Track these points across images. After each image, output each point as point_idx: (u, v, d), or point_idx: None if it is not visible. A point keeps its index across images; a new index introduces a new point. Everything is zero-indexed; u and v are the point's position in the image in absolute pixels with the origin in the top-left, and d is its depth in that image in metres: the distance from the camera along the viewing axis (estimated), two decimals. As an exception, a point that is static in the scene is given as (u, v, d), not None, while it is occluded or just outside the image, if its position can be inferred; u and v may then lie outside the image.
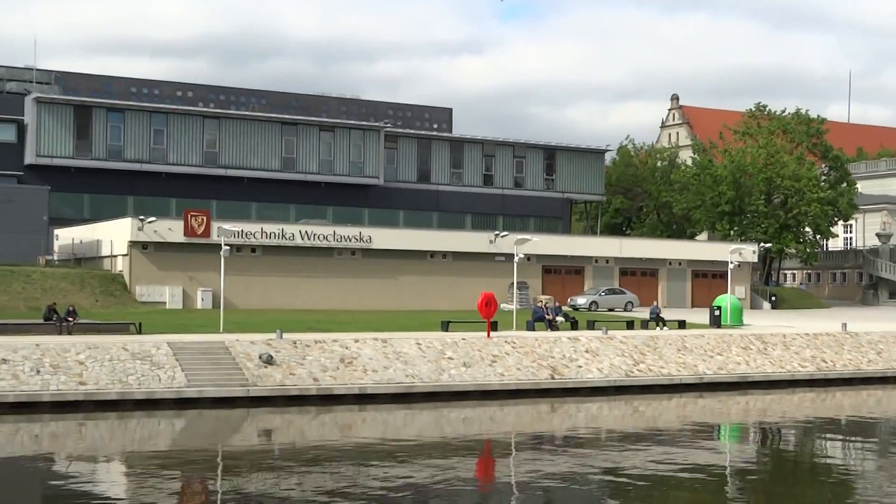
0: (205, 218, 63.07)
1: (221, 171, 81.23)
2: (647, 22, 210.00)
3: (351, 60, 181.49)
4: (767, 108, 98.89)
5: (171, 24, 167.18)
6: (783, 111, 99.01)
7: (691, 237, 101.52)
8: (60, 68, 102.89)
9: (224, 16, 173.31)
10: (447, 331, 46.19)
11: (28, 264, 60.76)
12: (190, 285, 62.31)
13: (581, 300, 66.59)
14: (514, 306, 67.02)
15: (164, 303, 60.86)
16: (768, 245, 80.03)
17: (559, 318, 49.44)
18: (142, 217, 61.91)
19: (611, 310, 67.46)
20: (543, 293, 72.48)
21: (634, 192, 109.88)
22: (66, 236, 66.83)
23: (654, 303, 58.89)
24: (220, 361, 37.33)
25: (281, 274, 64.68)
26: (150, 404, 34.82)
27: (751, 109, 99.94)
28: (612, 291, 71.26)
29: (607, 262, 76.77)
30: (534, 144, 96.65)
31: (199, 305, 61.36)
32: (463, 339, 42.72)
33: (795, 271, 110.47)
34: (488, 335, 43.84)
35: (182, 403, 35.23)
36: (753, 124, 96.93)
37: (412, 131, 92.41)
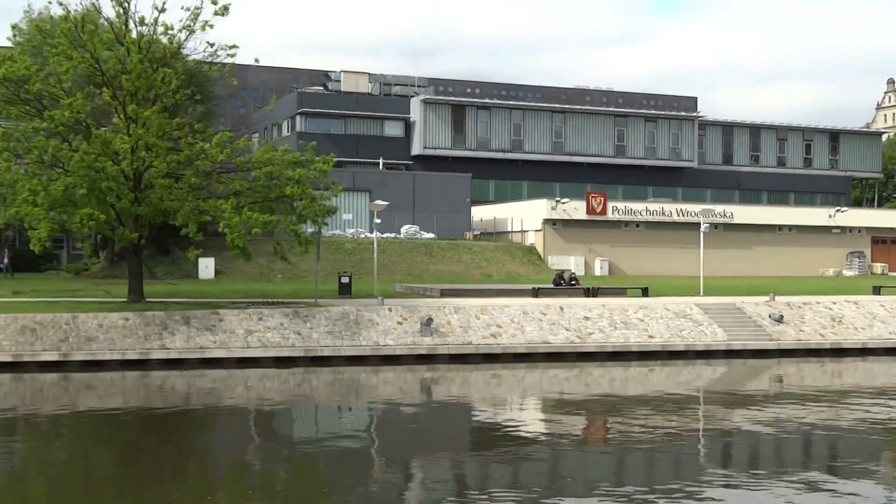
0: (603, 199, 65.93)
1: (566, 158, 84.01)
2: (790, 10, 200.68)
3: (519, 54, 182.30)
4: None
5: (359, 26, 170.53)
6: None
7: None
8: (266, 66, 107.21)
9: (405, 18, 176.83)
10: (879, 294, 47.30)
11: (459, 238, 64.91)
12: (589, 255, 65.33)
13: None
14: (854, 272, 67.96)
15: (570, 269, 63.76)
16: None
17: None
18: (557, 199, 65.22)
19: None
20: (873, 261, 72.96)
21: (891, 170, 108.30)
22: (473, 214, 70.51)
23: None
24: (741, 319, 39.68)
25: (659, 245, 67.05)
26: (707, 354, 37.44)
27: None
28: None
29: (926, 232, 76.46)
30: (821, 129, 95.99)
31: (597, 272, 64.24)
32: (914, 301, 44.04)
33: None
34: (935, 299, 44.89)
35: (729, 354, 37.72)
36: None
37: (719, 119, 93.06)
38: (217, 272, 53.41)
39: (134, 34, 35.62)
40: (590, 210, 65.26)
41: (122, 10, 35.37)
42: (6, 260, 55.06)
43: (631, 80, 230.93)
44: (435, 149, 79.64)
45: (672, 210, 68.14)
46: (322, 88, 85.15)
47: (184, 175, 34.85)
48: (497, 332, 35.98)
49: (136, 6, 35.22)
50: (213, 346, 32.95)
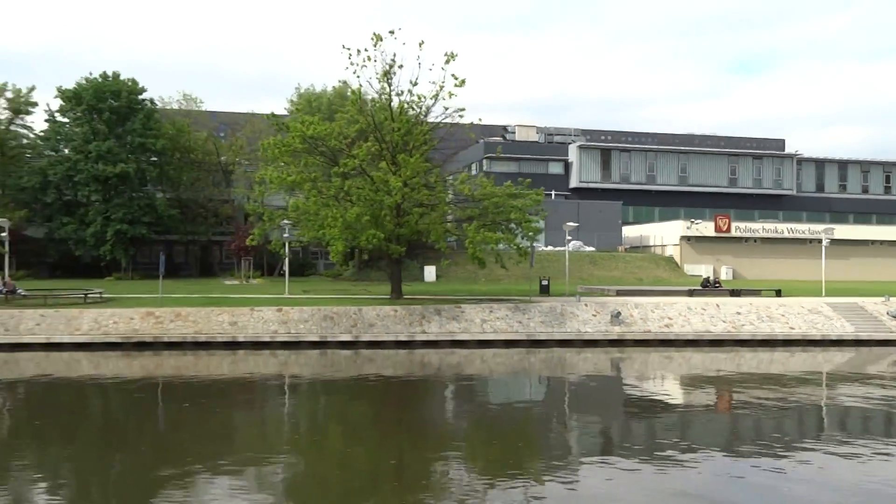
0: (727, 220, 63.97)
1: (689, 188, 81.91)
2: (845, 67, 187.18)
3: (627, 108, 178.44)
4: None
5: (502, 90, 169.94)
6: None
7: None
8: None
9: (541, 83, 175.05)
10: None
11: (613, 251, 64.14)
12: (717, 264, 63.46)
13: None
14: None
15: (701, 275, 62.12)
16: None
17: None
18: (692, 220, 63.74)
19: None
20: (952, 269, 68.00)
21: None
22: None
23: None
24: (863, 315, 37.64)
25: (772, 256, 64.56)
26: (839, 343, 35.34)
27: None
28: None
29: None
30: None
31: (723, 277, 62.19)
32: None
33: None
34: None
35: (856, 343, 35.61)
36: None
37: (813, 156, 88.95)
38: (437, 276, 54.44)
39: (395, 102, 36.84)
40: (717, 228, 63.41)
41: (387, 86, 36.65)
42: (284, 268, 57.59)
43: (716, 126, 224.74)
44: (588, 182, 79.07)
45: (784, 228, 65.47)
46: (501, 138, 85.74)
47: (433, 204, 35.74)
48: (669, 323, 35.42)
49: (398, 81, 36.38)
50: (459, 331, 33.63)
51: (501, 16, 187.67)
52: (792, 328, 35.87)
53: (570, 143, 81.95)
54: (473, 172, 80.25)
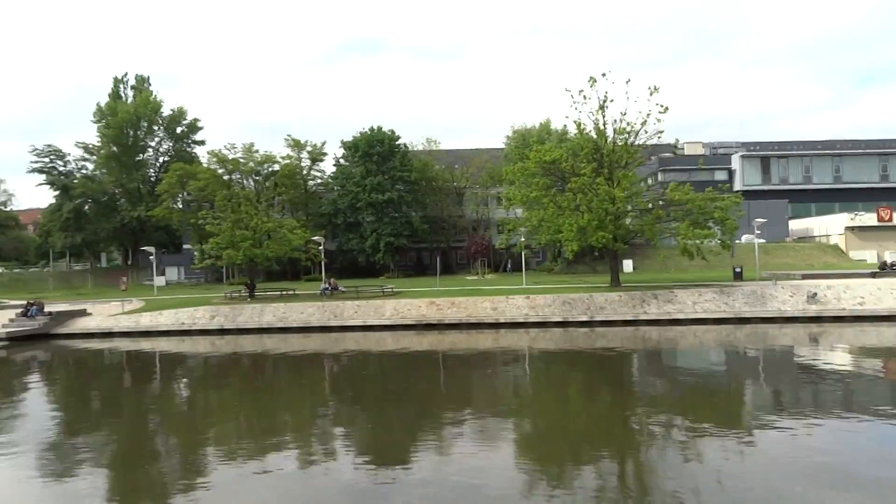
0: (890, 211, 56.90)
1: (843, 185, 73.67)
2: None
3: (758, 123, 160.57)
4: None
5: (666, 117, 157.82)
6: None
7: None
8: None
9: (676, 110, 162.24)
10: None
11: (782, 241, 58.99)
12: (879, 249, 56.53)
13: None
14: None
15: (865, 260, 55.66)
16: None
17: None
18: (855, 213, 57.45)
19: None
20: None
21: None
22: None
23: None
24: None
25: (934, 241, 56.56)
26: None
27: None
28: None
29: None
30: None
31: (888, 260, 55.25)
32: None
33: None
34: None
35: None
36: None
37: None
38: (633, 268, 52.69)
39: (609, 131, 35.96)
40: (879, 219, 56.50)
41: (601, 117, 35.89)
42: (509, 265, 58.18)
43: (842, 133, 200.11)
44: (750, 186, 73.31)
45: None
46: (672, 154, 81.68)
47: (648, 209, 34.50)
48: (862, 302, 31.82)
49: (610, 113, 35.52)
50: (675, 311, 32.17)
51: (648, 57, 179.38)
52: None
53: (731, 154, 76.43)
54: (651, 182, 76.99)
